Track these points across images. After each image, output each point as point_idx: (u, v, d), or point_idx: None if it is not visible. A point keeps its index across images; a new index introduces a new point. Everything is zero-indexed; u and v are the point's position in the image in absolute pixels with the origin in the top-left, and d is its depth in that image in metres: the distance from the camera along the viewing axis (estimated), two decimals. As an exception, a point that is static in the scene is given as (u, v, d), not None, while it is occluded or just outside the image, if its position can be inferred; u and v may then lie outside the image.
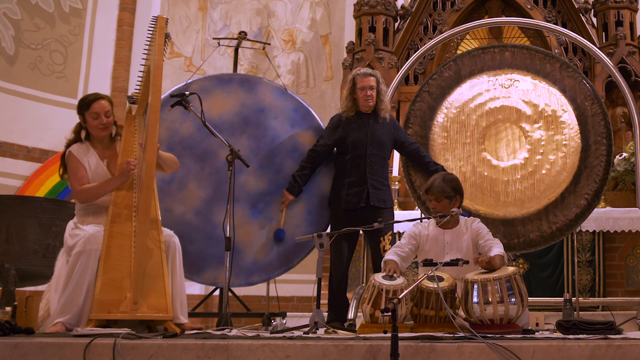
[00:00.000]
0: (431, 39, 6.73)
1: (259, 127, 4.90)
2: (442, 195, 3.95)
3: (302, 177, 4.73)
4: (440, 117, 5.01)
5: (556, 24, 7.17)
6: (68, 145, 3.98)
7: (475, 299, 3.40)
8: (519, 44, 5.99)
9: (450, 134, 4.98)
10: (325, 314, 4.42)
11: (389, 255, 3.87)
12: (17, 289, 4.46)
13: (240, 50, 6.57)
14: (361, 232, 4.83)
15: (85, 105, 3.95)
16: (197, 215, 4.75)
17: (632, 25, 7.06)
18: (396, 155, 5.92)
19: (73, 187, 3.88)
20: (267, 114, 4.94)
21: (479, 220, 4.03)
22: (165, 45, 3.79)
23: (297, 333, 3.59)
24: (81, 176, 3.87)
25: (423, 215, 4.93)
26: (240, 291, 5.48)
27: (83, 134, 4.02)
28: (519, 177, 4.85)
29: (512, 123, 4.92)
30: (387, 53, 7.35)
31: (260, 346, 2.85)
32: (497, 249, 3.70)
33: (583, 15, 7.26)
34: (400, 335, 2.69)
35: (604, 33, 7.12)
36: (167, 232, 3.90)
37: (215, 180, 4.77)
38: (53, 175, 6.88)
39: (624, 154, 6.38)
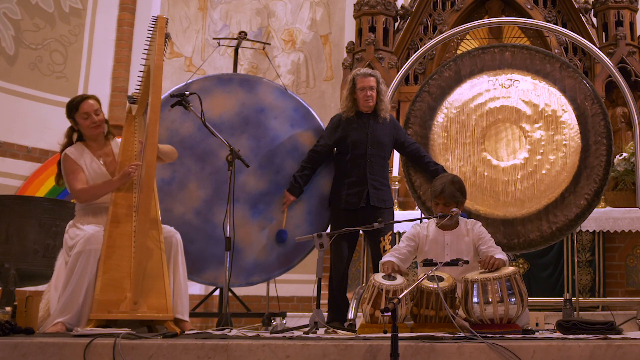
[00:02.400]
0: (431, 39, 6.73)
1: (259, 127, 4.90)
2: (452, 201, 3.94)
3: (303, 178, 4.73)
4: (440, 117, 5.01)
5: (556, 24, 7.17)
6: (62, 150, 3.99)
7: (475, 299, 3.40)
8: (519, 44, 5.99)
9: (450, 134, 4.98)
10: (325, 314, 4.42)
11: (386, 258, 3.87)
12: (17, 289, 4.46)
13: (240, 50, 6.58)
14: (361, 232, 4.83)
15: (74, 107, 3.98)
16: (197, 215, 4.75)
17: (632, 25, 7.07)
18: (396, 155, 5.92)
19: (72, 186, 3.89)
20: (267, 114, 4.94)
21: (480, 224, 4.03)
22: (165, 45, 3.79)
23: (297, 333, 3.59)
24: (79, 176, 3.88)
25: (423, 215, 4.93)
26: (240, 291, 5.48)
27: (75, 136, 4.04)
28: (519, 177, 4.84)
29: (512, 123, 4.92)
30: (387, 53, 7.35)
31: (260, 346, 2.85)
32: (499, 255, 3.70)
33: (583, 15, 7.26)
34: (400, 335, 2.69)
35: (604, 33, 7.12)
36: (168, 229, 3.91)
37: (215, 180, 4.77)
38: (53, 175, 6.85)
39: (624, 154, 6.38)
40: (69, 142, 4.03)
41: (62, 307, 3.57)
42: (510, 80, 4.98)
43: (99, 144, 4.04)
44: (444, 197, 3.94)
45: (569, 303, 4.79)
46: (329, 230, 4.75)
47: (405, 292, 3.17)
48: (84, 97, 4.02)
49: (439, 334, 3.11)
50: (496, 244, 3.94)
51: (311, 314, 3.72)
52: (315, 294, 3.83)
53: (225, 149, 4.29)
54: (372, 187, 4.59)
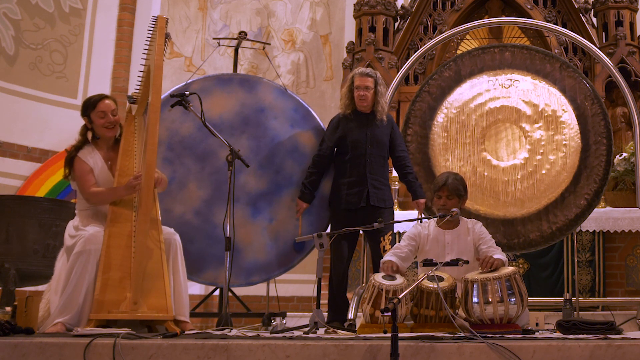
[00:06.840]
0: (431, 39, 6.72)
1: (259, 127, 4.91)
2: (455, 194, 3.94)
3: (312, 184, 4.74)
4: (440, 117, 5.01)
5: (556, 24, 7.17)
6: (77, 148, 3.95)
7: (475, 299, 3.40)
8: (519, 44, 5.99)
9: (450, 134, 4.98)
10: (325, 314, 4.42)
11: (387, 257, 3.87)
12: (17, 289, 4.47)
13: (240, 50, 6.58)
14: (361, 232, 4.83)
15: (91, 105, 3.96)
16: (197, 215, 4.76)
17: (632, 25, 7.06)
18: (396, 155, 5.92)
19: (84, 189, 3.87)
20: (267, 114, 4.94)
21: (481, 224, 4.02)
22: (165, 45, 3.79)
23: (297, 333, 3.59)
24: (90, 179, 3.88)
25: (423, 215, 4.93)
26: (240, 291, 5.48)
27: (89, 135, 4.02)
28: (519, 177, 4.85)
29: (512, 123, 4.92)
30: (387, 53, 7.35)
31: (260, 346, 2.85)
32: (498, 255, 3.70)
33: (583, 15, 7.26)
34: (400, 335, 2.69)
35: (604, 33, 7.12)
36: (168, 230, 3.90)
37: (215, 180, 4.78)
38: (53, 175, 6.88)
39: (624, 154, 6.38)
40: (83, 141, 3.99)
41: (62, 307, 3.57)
42: (510, 80, 4.98)
43: (109, 146, 4.02)
44: (447, 188, 3.93)
45: (569, 303, 4.79)
46: (329, 230, 4.75)
47: (405, 292, 3.17)
48: (102, 96, 4.01)
49: (439, 334, 3.11)
50: (496, 244, 3.94)
51: (311, 314, 3.72)
52: (315, 294, 3.83)
53: (225, 149, 4.30)
54: (372, 187, 4.59)
